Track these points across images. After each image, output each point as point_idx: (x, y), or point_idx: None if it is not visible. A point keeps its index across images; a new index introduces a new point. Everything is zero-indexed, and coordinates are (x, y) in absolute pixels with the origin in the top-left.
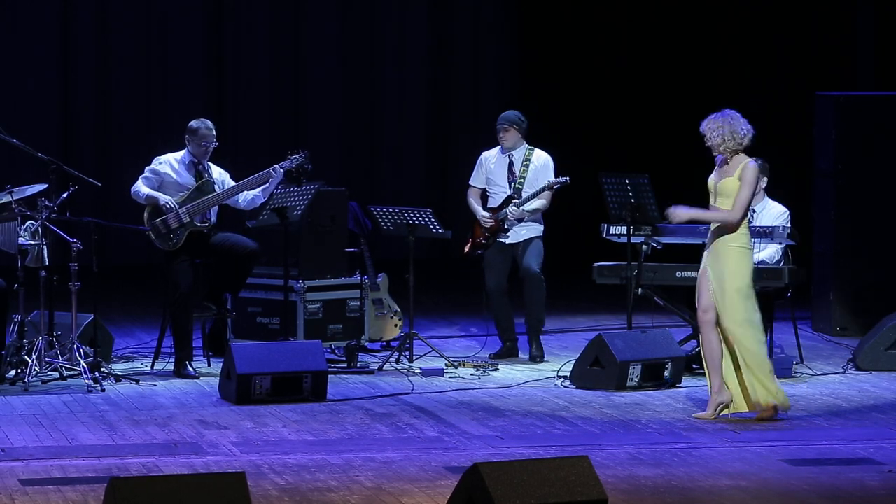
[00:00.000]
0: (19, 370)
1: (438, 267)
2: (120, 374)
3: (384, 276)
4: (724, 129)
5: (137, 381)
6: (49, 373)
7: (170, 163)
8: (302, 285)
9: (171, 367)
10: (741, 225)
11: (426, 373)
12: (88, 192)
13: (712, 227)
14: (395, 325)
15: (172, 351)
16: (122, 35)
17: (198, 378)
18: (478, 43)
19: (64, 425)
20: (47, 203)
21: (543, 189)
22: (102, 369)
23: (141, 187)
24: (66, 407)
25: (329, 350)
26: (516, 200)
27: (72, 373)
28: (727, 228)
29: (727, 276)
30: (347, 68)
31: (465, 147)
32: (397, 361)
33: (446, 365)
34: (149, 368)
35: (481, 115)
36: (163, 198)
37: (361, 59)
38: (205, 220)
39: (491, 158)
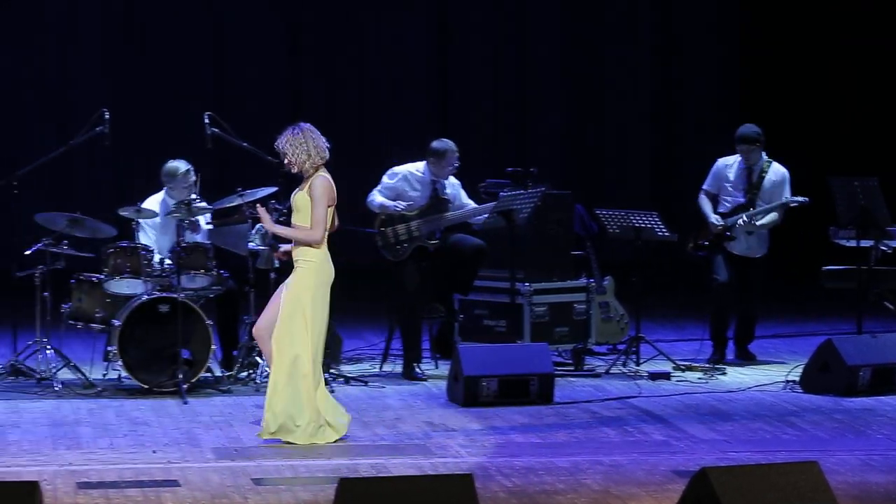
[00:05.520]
0: (250, 371)
1: (665, 270)
2: (349, 375)
3: (610, 279)
4: (307, 144)
5: (366, 383)
6: None
7: (406, 177)
8: (528, 288)
9: (399, 368)
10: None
11: (653, 376)
12: None
13: (294, 243)
14: (622, 329)
15: (401, 353)
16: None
17: (425, 380)
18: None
19: None
20: (277, 206)
21: (778, 206)
22: (332, 370)
23: (377, 197)
24: None
25: (555, 353)
26: (746, 214)
27: None
28: (307, 245)
29: (291, 290)
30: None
31: (692, 150)
32: (624, 364)
33: (673, 368)
34: (377, 370)
35: (709, 118)
36: (400, 205)
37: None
38: (433, 238)
39: (729, 166)
